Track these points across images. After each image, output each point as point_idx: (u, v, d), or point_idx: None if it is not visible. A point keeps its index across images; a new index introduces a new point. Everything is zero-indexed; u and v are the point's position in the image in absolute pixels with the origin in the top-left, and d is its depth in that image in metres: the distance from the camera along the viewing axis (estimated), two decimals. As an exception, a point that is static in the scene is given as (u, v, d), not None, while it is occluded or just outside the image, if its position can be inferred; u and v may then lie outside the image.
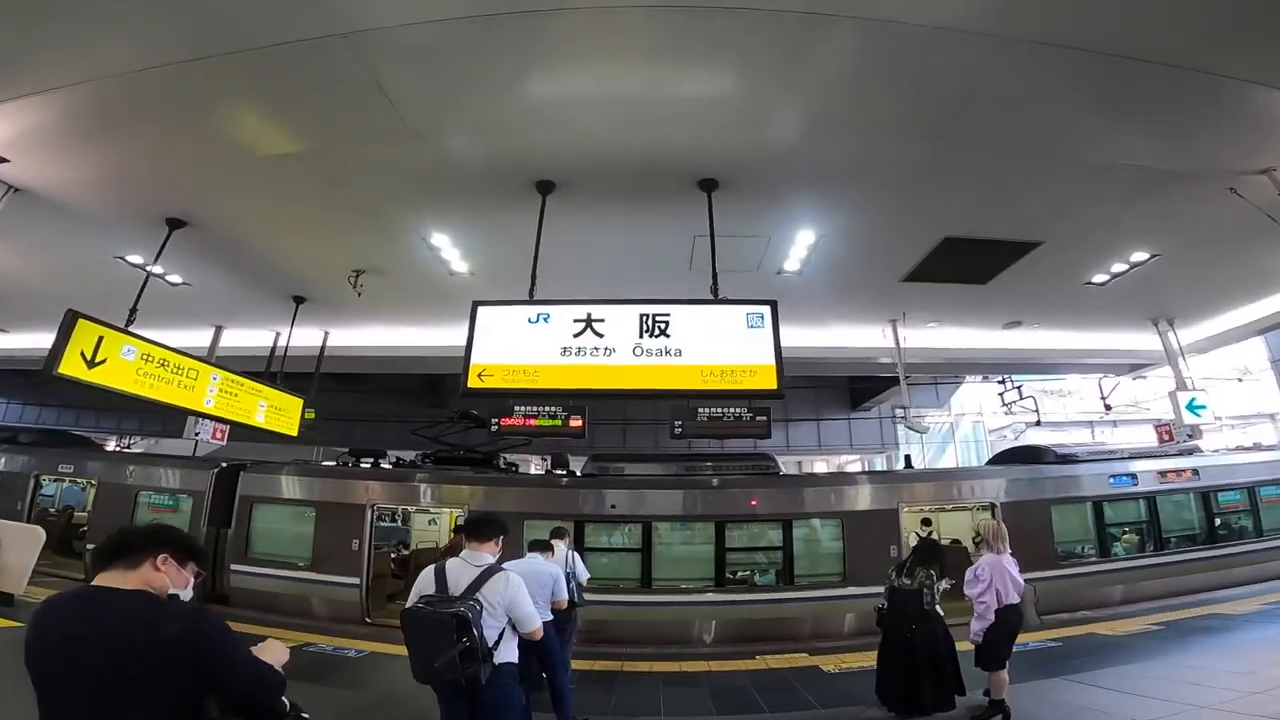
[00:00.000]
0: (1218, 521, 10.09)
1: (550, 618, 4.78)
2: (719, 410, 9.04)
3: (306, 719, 1.93)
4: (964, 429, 26.78)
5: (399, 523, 12.26)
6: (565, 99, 4.95)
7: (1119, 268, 8.03)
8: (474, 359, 5.14)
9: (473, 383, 5.09)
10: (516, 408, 8.93)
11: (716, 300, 5.53)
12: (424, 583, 3.20)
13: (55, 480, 11.28)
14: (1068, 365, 13.50)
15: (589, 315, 5.22)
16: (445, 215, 6.86)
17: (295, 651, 6.58)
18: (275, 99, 4.96)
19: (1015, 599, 4.85)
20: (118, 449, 20.29)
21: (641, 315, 5.20)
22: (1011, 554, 5.02)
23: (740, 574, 9.07)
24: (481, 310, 5.33)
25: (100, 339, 5.92)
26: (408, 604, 3.14)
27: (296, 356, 10.29)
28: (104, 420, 21.61)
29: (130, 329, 6.40)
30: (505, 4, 3.97)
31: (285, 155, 5.63)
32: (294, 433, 9.22)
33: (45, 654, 1.67)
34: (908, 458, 12.59)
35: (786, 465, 15.17)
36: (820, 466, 23.52)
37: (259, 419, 8.47)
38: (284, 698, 1.91)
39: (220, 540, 9.66)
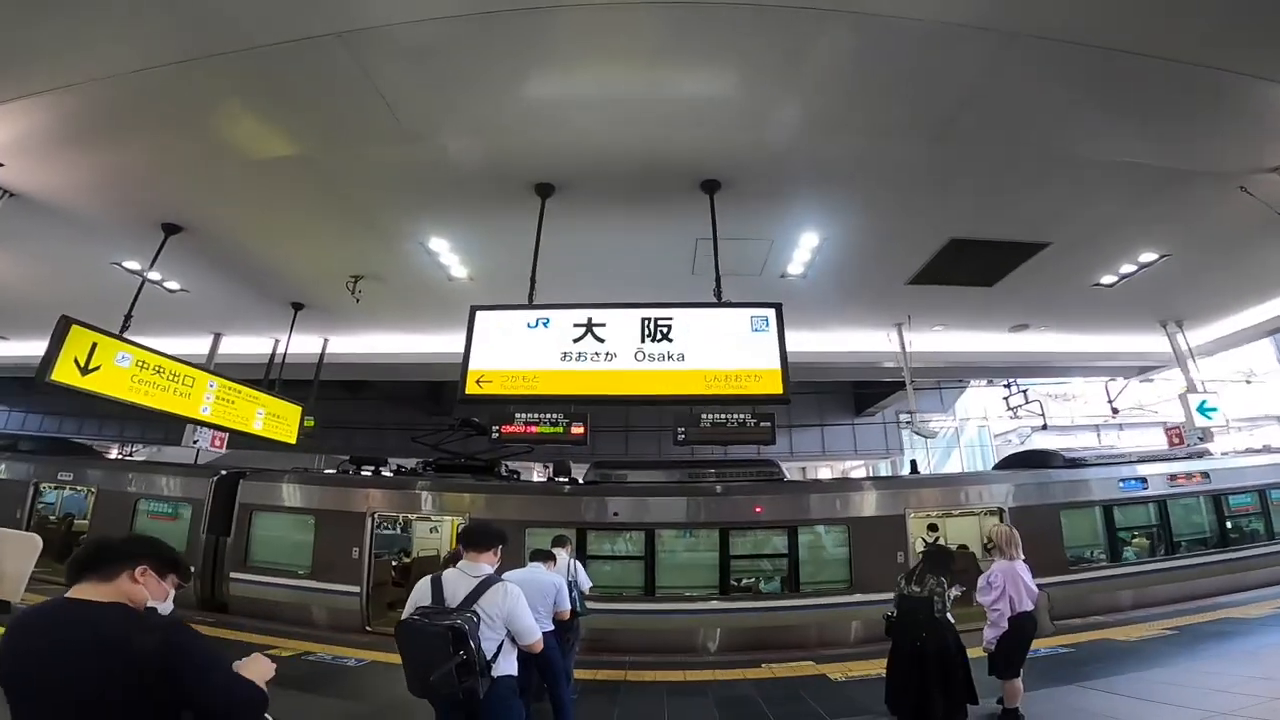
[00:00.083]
0: (1229, 525, 9.99)
1: (551, 628, 4.69)
2: (722, 416, 8.94)
3: None
4: (969, 434, 26.67)
5: (400, 530, 12.19)
6: (565, 99, 4.87)
7: (1128, 269, 7.91)
8: (472, 364, 5.04)
9: (471, 389, 4.99)
10: (517, 415, 8.81)
11: (720, 303, 5.38)
12: (420, 594, 3.12)
13: (55, 488, 11.28)
14: (1075, 368, 13.35)
15: (589, 320, 5.11)
16: (443, 219, 6.77)
17: (294, 660, 6.65)
18: (272, 100, 4.89)
19: (1029, 606, 4.76)
20: (120, 457, 20.28)
21: (643, 319, 5.07)
22: (1025, 560, 4.91)
23: (745, 581, 8.96)
24: (479, 315, 5.24)
25: (94, 345, 5.85)
26: (403, 615, 3.05)
27: (296, 364, 10.21)
28: (106, 428, 21.74)
29: (125, 335, 6.34)
30: (505, 1, 3.90)
31: (282, 158, 5.56)
32: (293, 440, 9.16)
33: (16, 668, 1.62)
34: (913, 463, 12.51)
35: (790, 471, 15.10)
36: (824, 472, 23.38)
37: (257, 426, 8.40)
38: (267, 715, 1.83)
39: (220, 548, 9.63)
